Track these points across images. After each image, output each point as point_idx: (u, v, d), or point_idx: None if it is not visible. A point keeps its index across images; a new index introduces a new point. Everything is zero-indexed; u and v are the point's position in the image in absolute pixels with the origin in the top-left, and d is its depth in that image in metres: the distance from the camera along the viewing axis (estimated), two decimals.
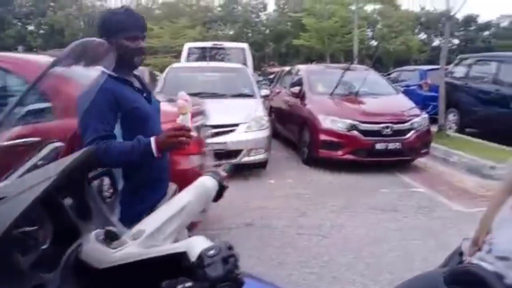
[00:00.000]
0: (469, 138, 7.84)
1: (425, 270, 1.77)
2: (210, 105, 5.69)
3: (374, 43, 31.21)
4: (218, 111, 5.19)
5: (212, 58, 9.34)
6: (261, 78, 22.18)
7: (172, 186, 1.95)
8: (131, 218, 1.71)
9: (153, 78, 11.61)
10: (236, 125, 5.50)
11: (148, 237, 0.88)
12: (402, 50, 29.82)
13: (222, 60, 9.82)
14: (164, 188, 1.89)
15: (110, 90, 1.64)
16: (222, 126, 5.38)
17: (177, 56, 14.71)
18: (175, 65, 7.44)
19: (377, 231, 3.93)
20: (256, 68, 34.41)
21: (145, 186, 1.75)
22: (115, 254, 0.84)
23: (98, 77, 1.73)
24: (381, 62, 32.39)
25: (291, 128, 7.31)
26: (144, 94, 1.81)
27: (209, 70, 6.75)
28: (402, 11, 32.59)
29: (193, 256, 0.77)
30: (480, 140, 7.43)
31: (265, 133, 5.70)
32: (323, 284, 3.01)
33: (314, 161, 6.29)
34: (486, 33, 39.17)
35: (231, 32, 36.99)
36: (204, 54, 9.35)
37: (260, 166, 5.83)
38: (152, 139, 1.59)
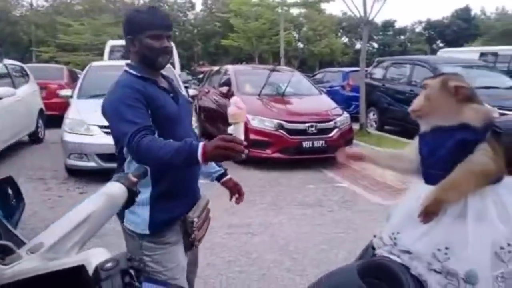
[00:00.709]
0: (388, 135, 8.38)
1: (349, 262, 1.85)
2: None
3: (300, 45, 32.24)
4: None
5: None
6: (190, 78, 21.95)
7: (205, 197, 1.83)
8: (159, 226, 1.62)
9: (73, 77, 10.99)
10: None
11: (48, 250, 0.81)
12: (326, 52, 31.13)
13: None
14: (195, 197, 1.76)
15: (136, 88, 1.55)
16: None
17: (100, 54, 14.06)
18: (95, 63, 7.07)
19: (303, 226, 4.04)
20: (185, 67, 34.00)
21: (175, 193, 1.64)
22: (6, 270, 0.76)
23: (121, 76, 1.64)
24: (307, 64, 33.58)
25: (221, 128, 7.28)
26: (171, 94, 1.69)
27: None
28: (326, 15, 34.01)
29: (90, 270, 0.72)
30: (397, 137, 7.97)
31: None
32: (252, 282, 3.03)
33: (244, 160, 6.31)
34: (402, 37, 42.21)
35: None
36: (127, 52, 8.97)
37: None
38: (201, 145, 1.41)
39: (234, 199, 2.00)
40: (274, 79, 7.17)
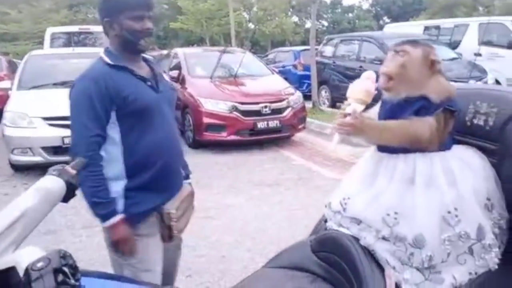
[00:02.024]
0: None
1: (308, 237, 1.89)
2: None
3: (251, 26, 31.98)
4: None
5: (80, 44, 8.60)
6: None
7: (187, 188, 1.81)
8: (133, 219, 1.57)
9: (13, 68, 10.34)
10: None
11: None
12: (278, 32, 31.04)
13: (92, 45, 9.12)
14: (174, 189, 1.71)
15: (102, 79, 1.47)
16: None
17: (41, 42, 13.32)
18: (34, 52, 6.66)
19: (262, 206, 4.08)
20: None
21: (152, 186, 1.59)
22: None
23: (93, 65, 1.55)
24: (259, 44, 33.44)
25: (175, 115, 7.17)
26: (149, 83, 1.58)
27: (74, 57, 6.18)
28: None
29: (20, 271, 0.68)
30: None
31: None
32: (212, 265, 3.02)
33: (200, 144, 6.28)
34: (351, 15, 42.93)
35: None
36: (70, 40, 8.55)
37: None
38: (118, 219, 1.52)
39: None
40: (226, 60, 7.10)
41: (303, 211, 3.90)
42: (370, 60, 8.47)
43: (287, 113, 6.30)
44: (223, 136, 6.05)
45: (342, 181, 1.61)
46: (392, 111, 1.44)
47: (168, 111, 1.66)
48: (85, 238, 3.40)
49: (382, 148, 1.47)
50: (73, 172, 1.09)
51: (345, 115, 1.38)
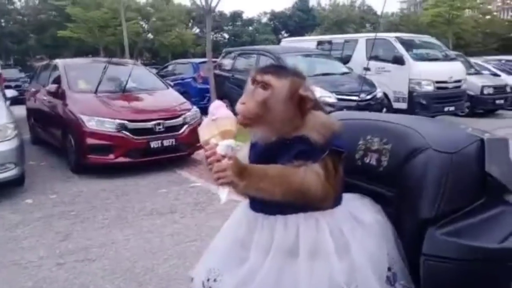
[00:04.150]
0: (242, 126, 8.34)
1: None
2: None
3: (150, 36, 30.90)
4: None
5: None
6: (22, 75, 19.14)
7: None
8: None
9: None
10: None
11: None
12: (178, 43, 30.44)
13: None
14: None
15: None
16: None
17: None
18: None
19: (152, 240, 3.59)
20: (18, 63, 29.67)
21: None
22: None
23: None
24: (159, 55, 32.49)
25: (53, 133, 6.31)
26: None
27: None
28: (174, 5, 33.25)
29: None
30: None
31: (11, 144, 4.63)
32: None
33: (84, 169, 5.55)
34: (251, 28, 44.00)
35: None
36: None
37: (13, 184, 4.75)
38: None
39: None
40: (114, 73, 6.46)
41: (199, 243, 3.50)
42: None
43: (184, 130, 5.87)
44: (111, 158, 5.40)
45: (209, 247, 1.24)
46: (266, 154, 1.12)
47: None
48: None
49: (256, 206, 1.14)
50: None
51: (219, 159, 1.03)
